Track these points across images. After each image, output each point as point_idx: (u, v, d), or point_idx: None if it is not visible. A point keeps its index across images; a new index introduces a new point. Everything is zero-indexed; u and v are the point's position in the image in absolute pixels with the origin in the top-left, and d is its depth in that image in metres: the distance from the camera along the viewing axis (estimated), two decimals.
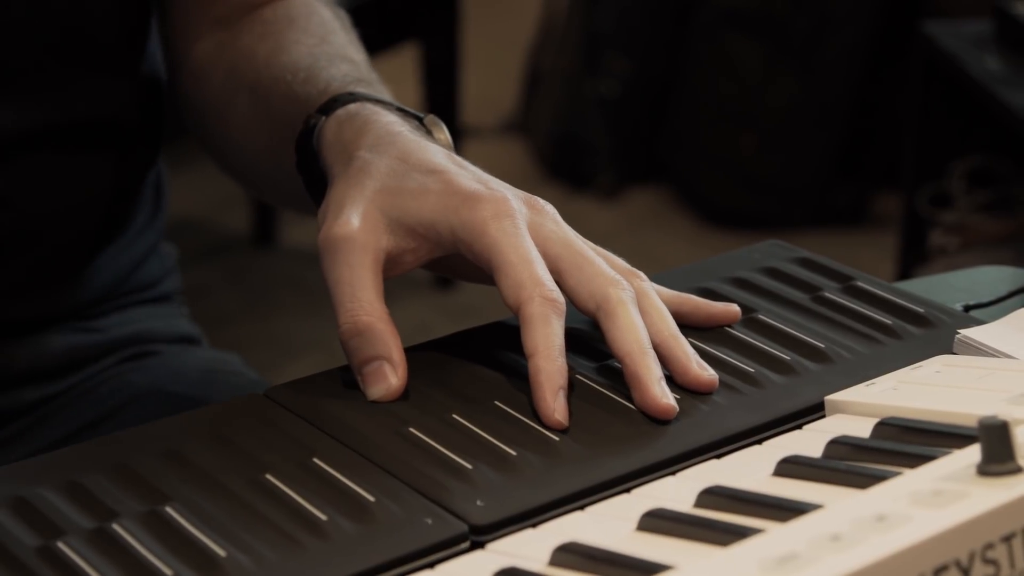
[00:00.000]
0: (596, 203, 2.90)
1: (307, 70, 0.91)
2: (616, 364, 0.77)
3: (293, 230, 2.73)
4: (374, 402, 0.75)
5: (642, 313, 0.76)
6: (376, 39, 2.56)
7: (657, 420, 0.73)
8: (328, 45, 0.95)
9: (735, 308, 0.81)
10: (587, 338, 0.80)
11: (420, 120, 0.85)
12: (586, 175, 2.94)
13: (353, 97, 0.85)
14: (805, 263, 0.88)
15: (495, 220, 0.75)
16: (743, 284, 0.86)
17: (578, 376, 0.76)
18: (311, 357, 2.23)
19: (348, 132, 0.82)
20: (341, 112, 0.84)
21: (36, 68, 0.93)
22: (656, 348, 0.75)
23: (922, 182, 2.04)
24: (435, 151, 0.80)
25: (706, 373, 0.75)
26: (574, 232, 0.78)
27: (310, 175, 0.86)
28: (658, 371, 0.73)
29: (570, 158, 2.96)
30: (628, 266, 0.79)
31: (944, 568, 0.57)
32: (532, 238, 0.76)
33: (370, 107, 0.84)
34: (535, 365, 0.73)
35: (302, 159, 0.86)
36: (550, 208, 0.78)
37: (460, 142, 2.58)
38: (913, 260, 2.02)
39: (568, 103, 2.96)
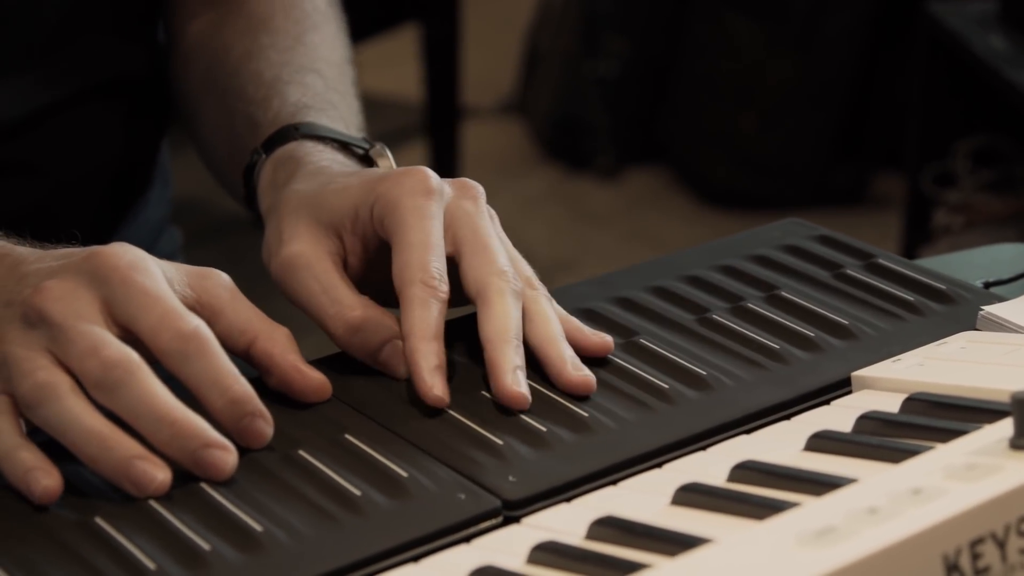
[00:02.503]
0: (595, 183, 2.91)
1: (268, 87, 0.92)
2: (642, 341, 0.78)
3: None
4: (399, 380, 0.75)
5: (526, 317, 0.75)
6: (377, 19, 2.56)
7: (513, 410, 0.72)
8: (298, 50, 0.95)
9: (609, 341, 0.77)
10: (610, 315, 0.80)
11: (367, 151, 0.86)
12: (585, 156, 2.94)
13: (296, 131, 0.86)
14: (825, 241, 0.89)
15: (410, 196, 0.75)
16: (764, 261, 0.86)
17: (609, 355, 0.76)
18: (312, 337, 2.25)
19: (281, 175, 0.84)
20: (279, 152, 0.85)
21: (56, 36, 0.94)
22: (534, 351, 0.74)
23: (926, 161, 2.04)
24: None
25: (580, 374, 0.74)
26: (493, 220, 0.78)
27: (254, 209, 0.88)
28: (517, 360, 0.73)
29: (569, 139, 2.96)
30: (533, 275, 0.78)
31: (980, 540, 0.57)
32: (445, 217, 0.76)
33: (308, 146, 0.85)
34: (411, 346, 0.72)
35: (248, 193, 0.88)
36: (477, 189, 0.78)
37: (459, 123, 2.58)
38: (917, 239, 2.02)
39: (567, 84, 2.96)
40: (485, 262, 0.75)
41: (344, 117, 0.90)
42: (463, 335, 0.77)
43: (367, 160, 0.86)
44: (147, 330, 0.69)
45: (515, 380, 0.72)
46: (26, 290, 0.70)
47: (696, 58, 2.84)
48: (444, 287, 0.74)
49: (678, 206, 2.86)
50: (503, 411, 0.72)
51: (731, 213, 2.79)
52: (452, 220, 0.76)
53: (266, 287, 0.81)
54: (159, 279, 0.70)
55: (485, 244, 0.76)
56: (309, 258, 0.76)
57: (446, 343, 0.74)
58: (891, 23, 2.70)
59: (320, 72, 0.94)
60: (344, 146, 0.86)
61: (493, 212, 0.78)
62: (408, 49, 2.67)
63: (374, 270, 0.78)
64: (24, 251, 0.74)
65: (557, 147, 2.99)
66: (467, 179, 0.79)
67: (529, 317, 0.75)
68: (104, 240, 1.00)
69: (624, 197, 2.87)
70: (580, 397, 0.73)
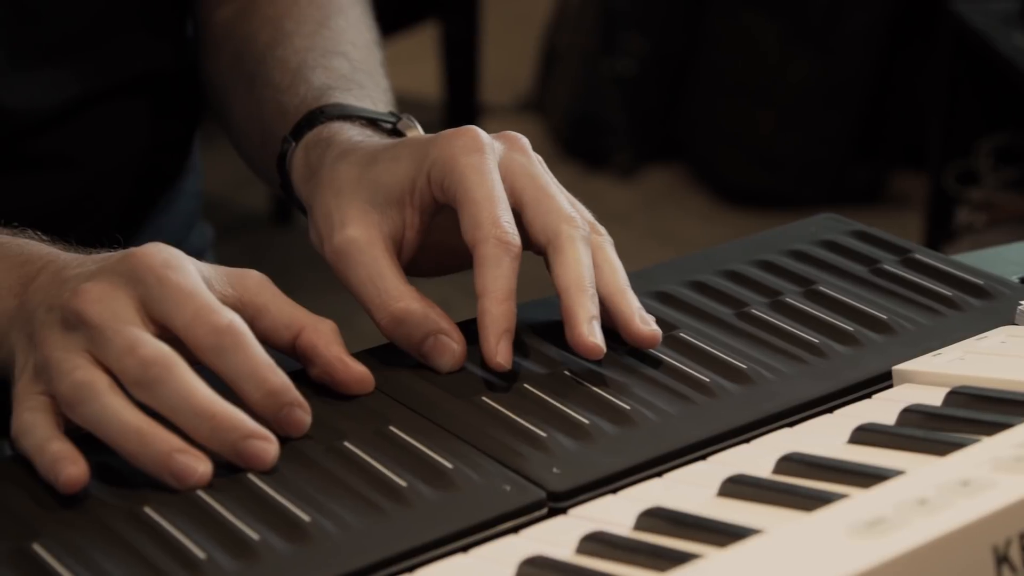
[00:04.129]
0: (613, 181, 2.91)
1: (293, 74, 0.92)
2: (682, 335, 0.78)
3: None
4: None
5: (594, 265, 0.76)
6: (397, 17, 2.57)
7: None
8: (323, 34, 0.96)
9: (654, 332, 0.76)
10: (649, 309, 0.80)
11: (394, 124, 0.86)
12: (603, 154, 2.94)
13: (322, 114, 0.86)
14: (861, 236, 0.89)
15: (464, 155, 0.76)
16: (801, 256, 0.86)
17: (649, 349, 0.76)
18: (347, 332, 2.26)
19: (313, 157, 0.84)
20: (308, 137, 0.86)
21: (90, 30, 0.95)
22: (602, 301, 0.75)
23: (949, 159, 2.05)
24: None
25: (648, 327, 0.75)
26: (545, 168, 0.78)
27: (291, 196, 0.88)
28: (593, 310, 0.74)
29: (587, 137, 2.96)
30: (593, 220, 0.79)
31: None
32: (501, 170, 0.76)
33: (335, 126, 0.85)
34: (482, 307, 0.73)
35: (284, 181, 0.88)
36: (524, 141, 0.79)
37: (478, 120, 2.58)
38: (940, 238, 2.02)
39: (585, 82, 2.96)
40: (551, 209, 0.76)
41: (372, 96, 0.90)
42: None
43: (396, 134, 0.86)
44: (183, 326, 0.69)
45: (591, 331, 0.73)
46: (65, 294, 0.71)
47: (714, 56, 2.85)
48: (517, 240, 0.74)
49: (695, 204, 2.86)
50: (545, 404, 0.73)
51: (748, 212, 2.80)
52: (508, 173, 0.77)
53: (288, 284, 0.81)
54: (194, 276, 0.70)
55: (547, 192, 0.76)
56: (360, 244, 0.77)
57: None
58: (910, 22, 2.70)
59: (346, 54, 0.94)
60: (371, 122, 0.86)
61: (542, 160, 0.79)
62: (428, 47, 2.68)
63: (431, 234, 0.79)
64: (68, 257, 0.75)
65: (575, 145, 2.99)
66: (511, 132, 0.79)
67: (596, 265, 0.76)
68: (136, 233, 1.01)
69: (641, 195, 2.87)
70: (617, 394, 0.73)
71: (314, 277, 2.62)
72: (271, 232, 2.70)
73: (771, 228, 0.91)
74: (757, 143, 2.80)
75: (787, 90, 2.77)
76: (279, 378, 0.69)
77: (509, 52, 3.25)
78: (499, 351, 0.72)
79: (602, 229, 0.78)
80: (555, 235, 0.75)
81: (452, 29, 2.58)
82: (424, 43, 2.74)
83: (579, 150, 2.98)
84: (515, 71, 3.21)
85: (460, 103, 2.57)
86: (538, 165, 0.78)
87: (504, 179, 0.76)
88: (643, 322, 0.75)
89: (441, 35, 2.59)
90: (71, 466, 0.66)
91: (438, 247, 0.80)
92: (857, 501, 0.59)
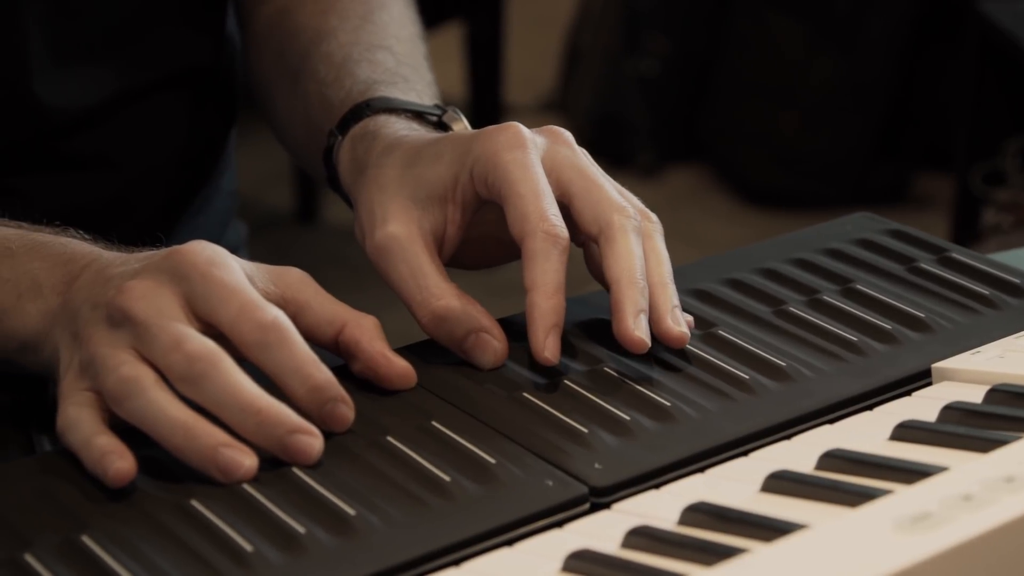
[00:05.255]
0: (635, 181, 2.91)
1: (338, 68, 0.92)
2: (721, 332, 0.78)
3: (336, 207, 2.74)
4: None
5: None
6: (421, 17, 2.57)
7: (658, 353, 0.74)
8: (367, 28, 0.96)
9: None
10: (688, 307, 0.81)
11: (440, 116, 0.87)
12: (626, 153, 2.94)
13: (368, 107, 0.87)
14: (897, 235, 0.89)
15: (507, 150, 0.76)
16: (837, 255, 0.87)
17: (688, 346, 0.77)
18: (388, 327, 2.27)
19: (360, 151, 0.85)
20: (355, 130, 0.86)
21: (130, 26, 0.95)
22: None
23: (975, 160, 2.05)
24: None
25: (677, 328, 0.75)
26: (590, 159, 0.79)
27: (339, 189, 0.88)
28: (642, 304, 0.74)
29: (610, 136, 2.96)
30: (644, 207, 0.79)
31: None
32: (545, 165, 0.77)
33: (381, 120, 0.86)
34: (531, 301, 0.73)
35: (330, 174, 0.89)
36: (567, 135, 0.79)
37: (500, 120, 2.58)
38: (966, 239, 2.02)
39: (608, 82, 2.96)
40: (601, 199, 0.76)
41: (417, 89, 0.90)
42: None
43: (441, 126, 0.86)
44: (227, 322, 0.70)
45: (637, 325, 0.73)
46: (110, 291, 0.71)
47: (737, 57, 2.85)
48: (565, 232, 0.74)
49: (718, 205, 2.86)
50: (586, 400, 0.73)
51: (771, 212, 2.80)
52: (553, 166, 0.77)
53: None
54: (237, 273, 0.71)
55: (595, 182, 0.77)
56: (401, 241, 0.77)
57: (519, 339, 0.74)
58: (934, 22, 2.70)
59: (390, 48, 0.94)
60: (417, 115, 0.87)
61: (587, 153, 0.79)
62: (452, 47, 2.68)
63: (475, 228, 0.79)
64: (111, 256, 0.75)
65: (598, 145, 2.99)
66: (554, 126, 0.80)
67: (643, 254, 0.76)
68: (174, 230, 1.02)
69: (664, 195, 2.88)
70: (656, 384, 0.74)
71: (339, 275, 2.63)
72: (296, 231, 2.71)
73: (794, 229, 0.91)
74: (780, 143, 2.80)
75: (810, 90, 2.77)
76: (323, 374, 0.70)
77: (532, 52, 3.25)
78: (547, 345, 0.73)
79: (653, 217, 0.79)
80: (607, 225, 0.75)
81: (476, 29, 2.59)
82: (448, 43, 2.75)
83: (602, 150, 2.98)
84: (538, 71, 3.21)
85: (484, 103, 2.58)
86: (583, 157, 0.78)
87: (550, 173, 0.76)
88: (674, 321, 0.75)
89: (465, 35, 2.59)
90: (119, 460, 0.67)
91: (482, 241, 0.80)
92: (902, 497, 0.59)
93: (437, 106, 0.88)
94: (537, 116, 3.11)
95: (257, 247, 1.11)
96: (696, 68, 2.92)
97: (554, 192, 0.76)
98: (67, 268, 0.75)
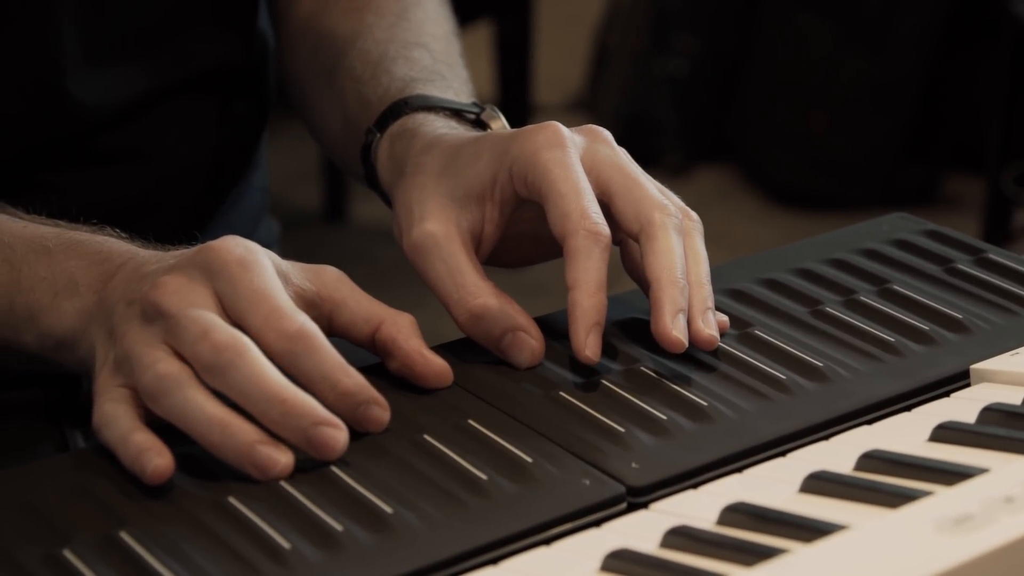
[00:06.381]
0: (663, 181, 2.87)
1: (375, 65, 0.92)
2: (757, 332, 0.78)
3: (364, 206, 2.75)
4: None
5: None
6: None
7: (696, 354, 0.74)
8: (403, 26, 0.96)
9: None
10: (723, 307, 0.80)
11: (478, 114, 0.86)
12: (653, 153, 2.94)
13: (406, 105, 0.87)
14: (934, 235, 0.89)
15: (547, 150, 0.76)
16: (874, 255, 0.86)
17: (721, 344, 0.77)
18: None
19: (399, 148, 0.85)
20: (393, 128, 0.86)
21: (163, 24, 0.96)
22: None
23: (1007, 162, 2.04)
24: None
25: (706, 330, 0.75)
26: (629, 158, 0.79)
27: (376, 188, 0.88)
28: (681, 303, 0.74)
29: (638, 136, 2.96)
30: (684, 205, 0.79)
31: None
32: (585, 164, 0.76)
33: (420, 117, 0.86)
34: (573, 299, 0.73)
35: (368, 172, 0.88)
36: (606, 133, 0.79)
37: (529, 120, 2.58)
38: (997, 240, 2.02)
39: (636, 81, 2.96)
40: (642, 197, 0.76)
41: (454, 87, 0.90)
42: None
43: (480, 124, 0.86)
44: (254, 329, 0.70)
45: (675, 325, 0.73)
46: (144, 287, 0.71)
47: (766, 57, 2.84)
48: (606, 231, 0.74)
49: (746, 205, 2.86)
50: (623, 399, 0.73)
51: (799, 212, 2.79)
52: (593, 164, 0.77)
53: None
54: (267, 274, 0.71)
55: (636, 181, 0.77)
56: (438, 239, 0.77)
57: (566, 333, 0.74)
58: (965, 23, 2.69)
59: (426, 46, 0.94)
60: (456, 113, 0.87)
61: (626, 151, 0.79)
62: (481, 47, 2.68)
63: (513, 227, 0.79)
64: (146, 254, 0.75)
65: (625, 145, 2.94)
66: (593, 125, 0.80)
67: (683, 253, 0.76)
68: (206, 228, 1.02)
69: (692, 195, 2.85)
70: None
71: (366, 274, 2.63)
72: (324, 230, 2.71)
73: (822, 230, 0.91)
74: (808, 144, 2.80)
75: (839, 91, 2.76)
76: (352, 379, 0.69)
77: (561, 51, 3.25)
78: (588, 344, 0.73)
79: (694, 215, 0.79)
80: (648, 223, 0.75)
81: (505, 29, 2.58)
82: (477, 43, 2.75)
83: (630, 150, 2.94)
84: (566, 70, 3.21)
85: (512, 102, 2.57)
86: (623, 155, 0.78)
87: (590, 172, 0.76)
88: (705, 323, 0.75)
89: (494, 35, 2.59)
90: (157, 457, 0.67)
91: (519, 239, 0.80)
92: (943, 498, 0.59)
93: (475, 103, 0.88)
94: (565, 116, 3.10)
95: (284, 246, 1.11)
96: (724, 68, 2.91)
97: (594, 191, 0.76)
98: (103, 267, 0.75)
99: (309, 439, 0.67)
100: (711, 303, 0.76)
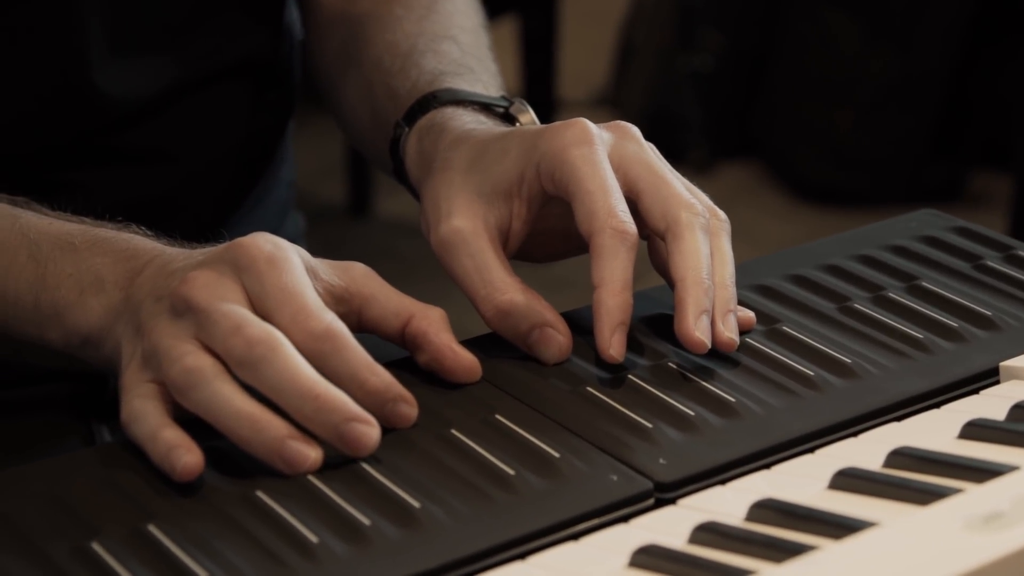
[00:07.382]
0: (688, 178, 2.89)
1: (404, 58, 0.93)
2: (785, 328, 0.78)
3: (389, 201, 2.75)
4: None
5: None
6: None
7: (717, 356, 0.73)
8: (432, 19, 0.96)
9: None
10: (751, 303, 0.80)
11: (507, 108, 0.86)
12: (678, 150, 2.93)
13: (435, 99, 0.87)
14: (963, 232, 0.88)
15: (574, 147, 0.76)
16: (902, 252, 0.86)
17: (748, 340, 0.76)
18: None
19: (427, 143, 0.85)
20: (422, 121, 0.86)
21: (190, 17, 0.96)
22: None
23: None
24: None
25: (726, 333, 0.74)
26: (658, 155, 0.79)
27: (404, 181, 0.88)
28: (705, 303, 0.74)
29: (663, 133, 2.95)
30: (712, 204, 0.79)
31: None
32: (613, 160, 0.76)
33: (449, 111, 0.86)
34: (598, 298, 0.73)
35: (396, 166, 0.88)
36: (634, 130, 0.79)
37: (554, 115, 2.58)
38: None
39: (661, 78, 2.96)
40: (670, 195, 0.76)
41: (483, 80, 0.90)
42: None
43: (508, 118, 0.86)
44: (282, 328, 0.69)
45: (698, 325, 0.73)
46: (173, 283, 0.71)
47: (792, 53, 2.83)
48: (633, 229, 0.74)
49: (771, 201, 2.85)
50: (650, 395, 0.73)
51: (825, 209, 2.78)
52: (621, 162, 0.77)
53: None
54: (295, 272, 0.71)
55: (664, 178, 0.77)
56: (465, 235, 0.77)
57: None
58: (992, 19, 2.68)
59: (455, 39, 0.94)
60: (484, 107, 0.87)
61: (655, 148, 0.79)
62: (506, 42, 2.68)
63: (541, 222, 0.79)
64: (173, 251, 0.75)
65: (650, 141, 2.98)
66: (622, 122, 0.79)
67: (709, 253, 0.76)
68: (233, 222, 1.02)
69: (717, 191, 2.85)
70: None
71: (391, 269, 2.63)
72: (348, 224, 2.71)
73: (848, 226, 0.91)
74: (835, 141, 2.79)
75: (866, 87, 2.75)
76: (379, 377, 0.69)
77: (585, 47, 3.25)
78: (613, 343, 0.73)
79: (722, 215, 0.78)
80: (674, 222, 0.75)
81: (531, 24, 2.58)
82: (502, 38, 2.74)
83: (655, 146, 2.98)
84: (591, 66, 3.21)
85: (537, 98, 2.57)
86: (651, 153, 0.78)
87: (617, 169, 0.76)
88: (725, 326, 0.75)
89: (520, 30, 2.59)
90: (187, 454, 0.67)
91: (547, 235, 0.80)
92: (973, 495, 0.58)
93: (504, 97, 0.88)
94: (589, 112, 3.10)
95: (310, 240, 1.11)
96: (750, 64, 2.90)
97: (621, 188, 0.75)
98: (130, 264, 0.75)
99: (341, 435, 0.67)
100: (734, 305, 0.76)
